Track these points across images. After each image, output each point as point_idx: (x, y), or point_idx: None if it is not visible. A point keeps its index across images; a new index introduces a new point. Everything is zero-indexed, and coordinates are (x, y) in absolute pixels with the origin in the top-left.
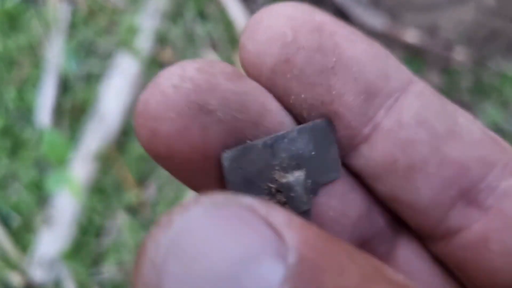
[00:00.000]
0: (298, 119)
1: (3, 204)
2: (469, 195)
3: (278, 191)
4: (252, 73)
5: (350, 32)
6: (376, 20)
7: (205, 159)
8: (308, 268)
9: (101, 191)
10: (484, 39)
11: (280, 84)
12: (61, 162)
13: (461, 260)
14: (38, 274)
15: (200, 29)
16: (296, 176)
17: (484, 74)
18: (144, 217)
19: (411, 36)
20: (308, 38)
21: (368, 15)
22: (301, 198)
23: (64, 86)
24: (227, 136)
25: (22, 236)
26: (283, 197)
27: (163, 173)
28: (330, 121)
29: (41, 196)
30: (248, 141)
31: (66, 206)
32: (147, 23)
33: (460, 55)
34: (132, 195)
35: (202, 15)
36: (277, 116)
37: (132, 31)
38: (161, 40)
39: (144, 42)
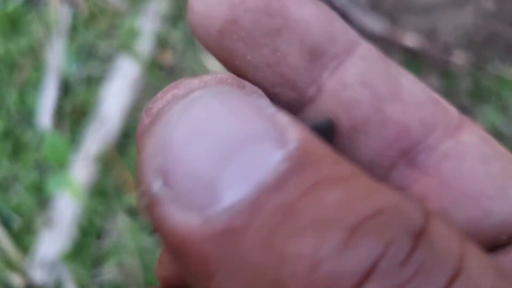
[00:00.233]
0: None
1: (4, 206)
2: (409, 156)
3: None
4: (200, 35)
5: None
6: (375, 23)
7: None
8: (306, 154)
9: (101, 193)
10: (483, 43)
11: (227, 45)
12: (62, 164)
13: None
14: (38, 275)
15: None
16: None
17: (483, 78)
18: (145, 219)
19: (410, 39)
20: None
21: (368, 18)
22: None
23: (65, 89)
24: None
25: (23, 238)
26: None
27: None
28: (331, 120)
29: (41, 198)
30: None
31: (66, 208)
32: (147, 26)
33: (459, 58)
34: (132, 197)
35: None
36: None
37: (133, 34)
38: (162, 43)
39: (145, 45)
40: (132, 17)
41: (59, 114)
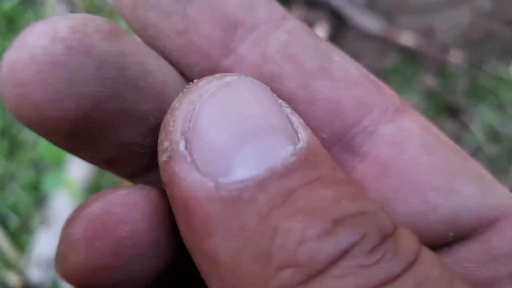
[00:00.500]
0: (186, 78)
1: (1, 205)
2: (344, 140)
3: None
4: (122, 11)
5: None
6: (372, 23)
7: (80, 124)
8: (311, 155)
9: (98, 191)
10: (479, 42)
11: (140, 15)
12: (58, 163)
13: None
14: (35, 274)
15: None
16: None
17: (479, 77)
18: None
19: (407, 39)
20: None
21: (365, 18)
22: None
23: None
24: (103, 99)
25: (20, 236)
26: None
27: None
28: None
29: (38, 197)
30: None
31: (63, 206)
32: None
33: (455, 57)
34: None
35: None
36: (159, 76)
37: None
38: None
39: None
40: None
41: None
